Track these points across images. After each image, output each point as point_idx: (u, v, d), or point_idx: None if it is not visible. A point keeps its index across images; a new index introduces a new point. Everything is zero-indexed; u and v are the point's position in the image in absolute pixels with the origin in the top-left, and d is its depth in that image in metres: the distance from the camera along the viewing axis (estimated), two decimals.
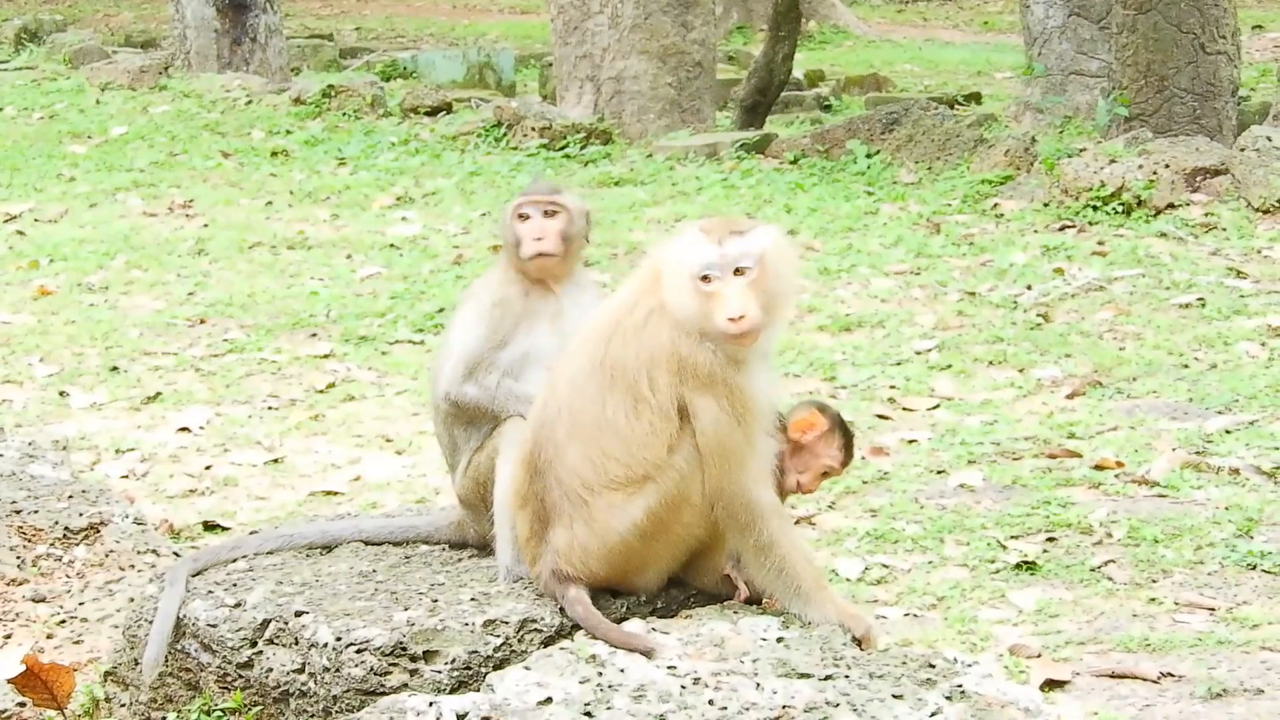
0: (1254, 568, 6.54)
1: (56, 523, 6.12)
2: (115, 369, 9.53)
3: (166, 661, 5.03)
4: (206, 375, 9.45)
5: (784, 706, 4.36)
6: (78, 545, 6.07)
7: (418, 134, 15.84)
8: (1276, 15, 30.61)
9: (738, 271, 4.69)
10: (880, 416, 8.53)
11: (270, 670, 4.88)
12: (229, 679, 4.97)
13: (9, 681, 5.16)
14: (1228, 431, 8.03)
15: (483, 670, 4.70)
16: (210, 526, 7.30)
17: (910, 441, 8.13)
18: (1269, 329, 9.60)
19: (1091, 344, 9.53)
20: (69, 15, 27.83)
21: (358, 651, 4.74)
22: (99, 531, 6.13)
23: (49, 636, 5.66)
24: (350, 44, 26.47)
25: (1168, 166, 12.23)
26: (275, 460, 8.18)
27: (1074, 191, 12.25)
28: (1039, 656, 5.85)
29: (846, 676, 4.50)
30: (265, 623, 4.93)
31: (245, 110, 17.31)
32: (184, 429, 8.58)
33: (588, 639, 4.66)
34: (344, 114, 16.76)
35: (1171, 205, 12.05)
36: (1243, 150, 12.17)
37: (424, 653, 4.74)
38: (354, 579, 5.11)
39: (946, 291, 10.62)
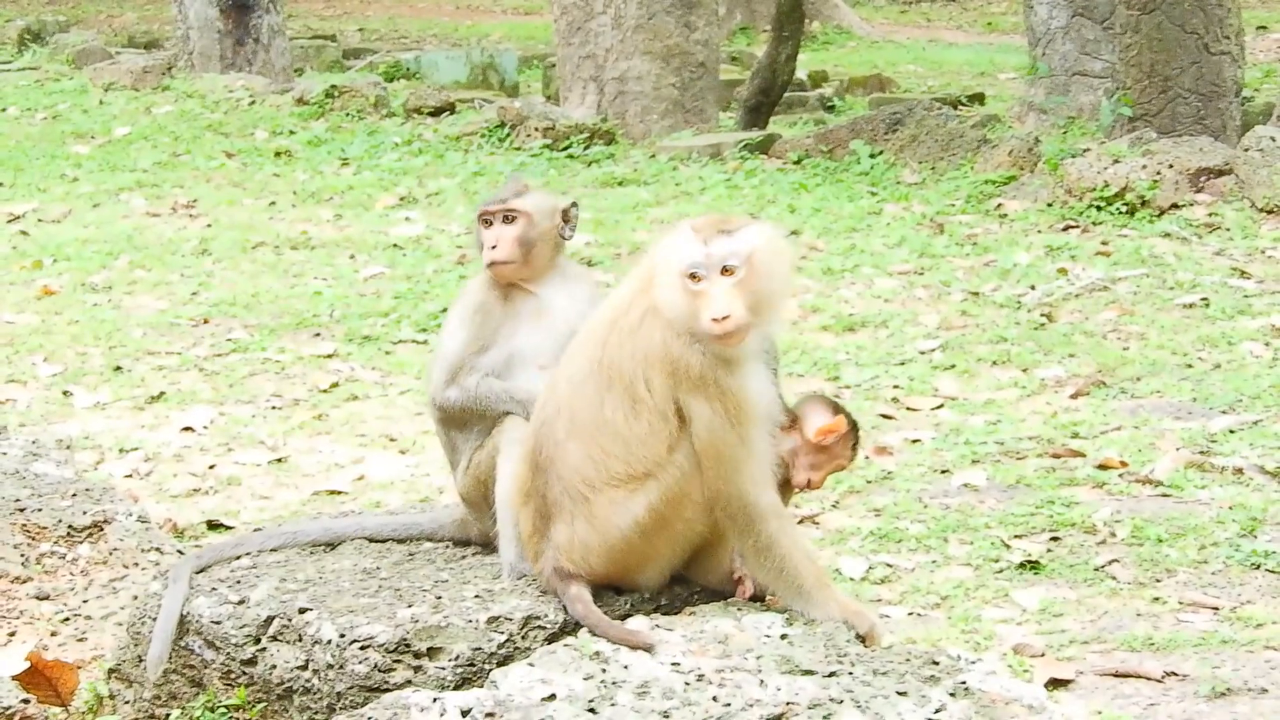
0: (1258, 567, 6.54)
1: (60, 521, 6.12)
2: (119, 369, 9.53)
3: (170, 658, 5.03)
4: (210, 375, 9.45)
5: (788, 703, 4.35)
6: (82, 543, 6.07)
7: (421, 134, 15.84)
8: None
9: (725, 271, 4.65)
10: (884, 416, 8.53)
11: (274, 667, 4.88)
12: (233, 676, 4.97)
13: (14, 679, 5.17)
14: (1231, 431, 8.03)
15: (486, 667, 4.70)
16: (214, 526, 7.30)
17: (914, 441, 8.13)
18: (1273, 329, 9.60)
19: (1095, 344, 9.52)
20: (72, 16, 27.85)
21: (361, 648, 4.74)
22: (103, 530, 6.13)
23: (53, 634, 5.66)
24: (353, 45, 26.49)
25: (1171, 167, 12.23)
26: (279, 460, 8.18)
27: (1078, 192, 12.25)
28: (1043, 656, 5.85)
29: (850, 673, 4.49)
30: (269, 619, 4.93)
31: (248, 111, 17.31)
32: (187, 428, 8.58)
33: (591, 636, 4.66)
34: (347, 114, 16.76)
35: (1175, 205, 12.04)
36: (1246, 150, 12.17)
37: (428, 649, 4.74)
38: (358, 576, 5.11)
39: (950, 291, 10.62)
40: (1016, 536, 6.92)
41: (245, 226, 12.73)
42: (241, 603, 5.01)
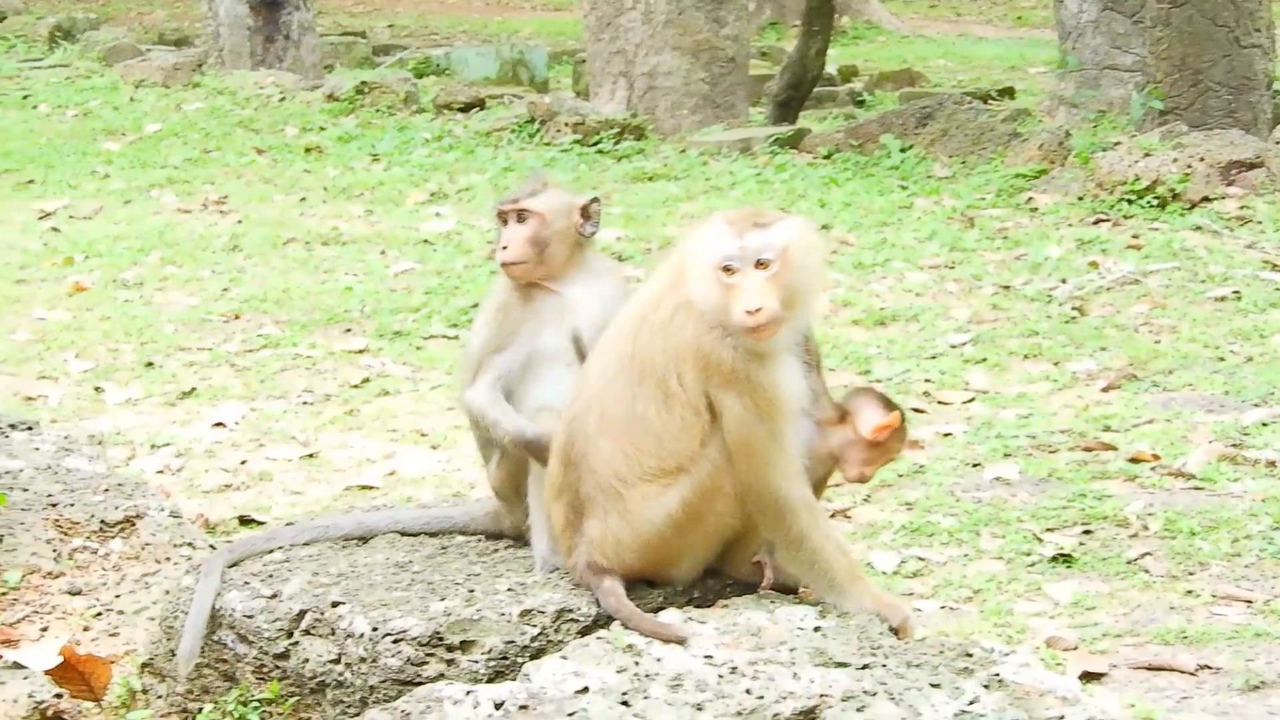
0: None
1: (93, 516, 6.13)
2: (150, 364, 9.56)
3: (203, 653, 5.04)
4: (241, 370, 9.46)
5: (821, 695, 4.34)
6: (114, 538, 6.08)
7: (451, 130, 15.85)
8: None
9: (759, 264, 4.62)
10: (916, 410, 8.50)
11: (307, 661, 4.89)
12: (265, 670, 4.97)
13: (47, 673, 5.17)
14: (1264, 424, 8.01)
15: (519, 660, 4.69)
16: (245, 521, 7.30)
17: (946, 435, 8.12)
18: None
19: (1127, 337, 9.50)
20: (102, 13, 27.89)
21: (394, 642, 4.74)
22: (135, 525, 6.13)
23: (85, 629, 5.67)
24: (383, 41, 26.50)
25: (1202, 160, 12.20)
26: (310, 455, 8.19)
27: (1108, 185, 12.23)
28: (1076, 649, 5.84)
29: (884, 665, 4.48)
30: (302, 613, 4.93)
31: (279, 107, 17.34)
32: (219, 424, 8.60)
33: (624, 629, 4.65)
34: (377, 110, 16.77)
35: (1206, 198, 12.01)
36: (1278, 143, 12.13)
37: (460, 643, 4.73)
38: (390, 569, 5.11)
39: (981, 285, 10.60)
40: (1049, 530, 6.91)
41: (276, 222, 12.75)
42: (274, 596, 5.01)
